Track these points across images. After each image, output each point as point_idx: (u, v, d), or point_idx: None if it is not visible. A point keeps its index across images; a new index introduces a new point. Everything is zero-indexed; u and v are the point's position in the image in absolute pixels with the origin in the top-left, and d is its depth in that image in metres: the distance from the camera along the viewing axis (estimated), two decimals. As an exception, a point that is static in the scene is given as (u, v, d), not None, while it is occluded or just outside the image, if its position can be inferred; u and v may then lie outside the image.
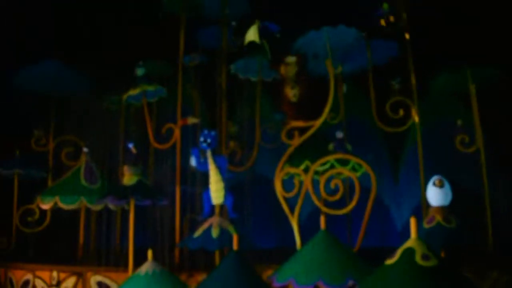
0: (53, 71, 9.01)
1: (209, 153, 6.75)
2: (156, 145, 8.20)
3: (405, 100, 7.51)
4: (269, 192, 9.77)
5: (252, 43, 7.24)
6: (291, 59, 6.64)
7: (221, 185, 6.68)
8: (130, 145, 7.32)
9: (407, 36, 7.63)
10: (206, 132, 6.84)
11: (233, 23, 8.97)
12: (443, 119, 8.95)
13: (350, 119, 9.13)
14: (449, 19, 8.22)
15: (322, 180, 6.32)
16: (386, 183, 10.50)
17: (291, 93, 6.71)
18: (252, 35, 7.22)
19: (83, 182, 8.35)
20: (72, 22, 9.52)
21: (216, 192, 6.61)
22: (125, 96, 8.26)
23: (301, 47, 6.79)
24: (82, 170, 8.46)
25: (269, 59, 7.29)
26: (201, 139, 6.72)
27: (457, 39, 8.21)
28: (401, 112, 7.47)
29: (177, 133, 7.80)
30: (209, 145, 6.72)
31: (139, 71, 8.23)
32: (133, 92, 8.09)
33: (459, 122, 8.03)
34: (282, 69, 6.70)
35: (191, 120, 7.59)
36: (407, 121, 7.83)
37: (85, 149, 8.62)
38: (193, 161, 7.68)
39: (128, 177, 7.25)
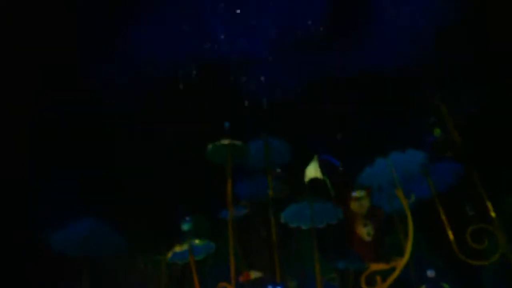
0: (87, 230, 8.37)
1: (280, 312, 5.77)
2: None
3: (487, 227, 6.66)
4: None
5: (314, 180, 6.77)
6: (361, 193, 6.08)
7: None
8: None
9: (465, 160, 7.15)
10: (271, 287, 5.95)
11: (278, 170, 8.70)
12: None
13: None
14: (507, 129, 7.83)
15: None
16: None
17: (365, 231, 5.95)
18: (313, 171, 6.78)
19: None
20: (109, 176, 9.27)
21: None
22: (169, 254, 7.47)
23: (368, 178, 6.29)
24: None
25: (332, 196, 6.74)
26: (268, 295, 5.81)
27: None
28: (486, 241, 6.55)
29: (233, 292, 6.78)
30: (276, 301, 5.79)
31: (186, 226, 7.60)
32: (180, 248, 7.32)
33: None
34: (353, 206, 6.07)
35: (255, 275, 6.67)
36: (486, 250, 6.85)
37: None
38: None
39: None
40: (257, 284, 6.70)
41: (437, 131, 7.58)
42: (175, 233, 8.06)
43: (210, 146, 7.99)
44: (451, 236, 6.79)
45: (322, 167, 6.78)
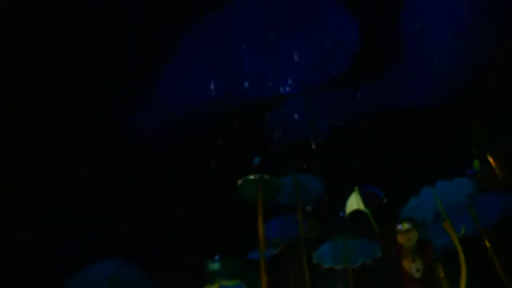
0: (112, 271, 7.96)
1: None
2: None
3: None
4: None
5: (356, 213, 6.39)
6: (407, 225, 5.66)
7: None
8: None
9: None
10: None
11: (308, 208, 8.35)
12: None
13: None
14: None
15: None
16: None
17: (413, 267, 5.47)
18: (354, 203, 6.40)
19: None
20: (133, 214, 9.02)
21: None
22: (198, 296, 7.06)
23: (412, 210, 5.92)
24: None
25: (375, 230, 6.32)
26: None
27: None
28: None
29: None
30: None
31: (214, 266, 7.22)
32: (209, 290, 6.91)
33: None
34: (401, 239, 5.63)
35: None
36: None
37: None
38: None
39: None
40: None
41: (476, 164, 7.22)
42: (203, 274, 7.71)
43: (239, 182, 7.72)
44: (501, 273, 6.28)
45: (365, 199, 6.43)
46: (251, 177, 7.61)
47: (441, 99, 8.40)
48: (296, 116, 10.11)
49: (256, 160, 7.89)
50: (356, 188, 6.67)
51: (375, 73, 9.47)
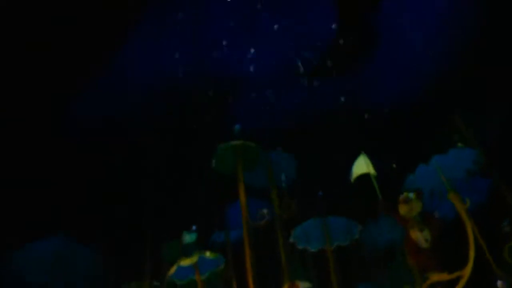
0: (58, 248, 6.79)
1: None
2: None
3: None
4: None
5: (363, 177, 5.99)
6: (411, 195, 5.44)
7: None
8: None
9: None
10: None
11: (284, 184, 7.89)
12: None
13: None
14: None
15: None
16: None
17: (422, 237, 5.24)
18: (363, 166, 5.99)
19: None
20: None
21: None
22: (172, 270, 6.16)
23: (416, 180, 5.76)
24: None
25: (379, 200, 5.99)
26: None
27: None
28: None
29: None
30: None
31: (190, 237, 6.39)
32: (190, 261, 6.05)
33: None
34: (402, 209, 5.39)
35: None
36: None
37: None
38: None
39: None
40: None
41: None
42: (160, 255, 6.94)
43: (219, 147, 6.95)
44: (487, 252, 6.33)
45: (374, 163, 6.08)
46: (233, 142, 6.96)
47: (415, 96, 8.58)
48: (265, 99, 9.75)
49: (237, 127, 7.27)
50: (363, 152, 6.32)
51: (350, 66, 9.47)
